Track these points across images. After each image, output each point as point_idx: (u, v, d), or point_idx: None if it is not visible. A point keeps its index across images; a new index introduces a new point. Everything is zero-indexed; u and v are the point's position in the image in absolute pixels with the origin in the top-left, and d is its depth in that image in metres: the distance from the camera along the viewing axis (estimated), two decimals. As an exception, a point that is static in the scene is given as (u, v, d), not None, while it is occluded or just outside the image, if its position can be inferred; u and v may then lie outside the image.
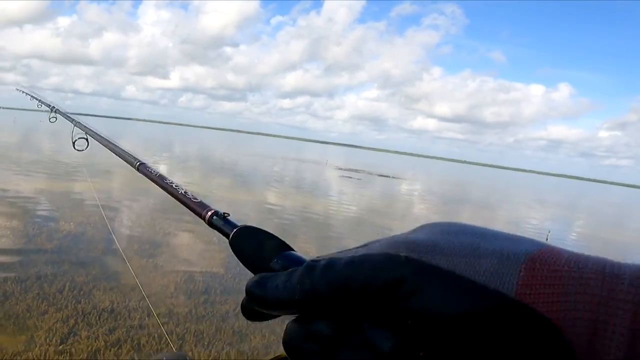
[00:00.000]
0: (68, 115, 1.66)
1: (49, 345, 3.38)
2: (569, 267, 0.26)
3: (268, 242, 0.41)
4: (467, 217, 16.58)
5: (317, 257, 0.35)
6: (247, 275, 0.39)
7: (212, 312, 4.36)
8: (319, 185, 20.89)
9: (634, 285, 0.24)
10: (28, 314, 3.82)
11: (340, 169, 34.69)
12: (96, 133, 1.27)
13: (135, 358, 3.39)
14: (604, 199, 51.16)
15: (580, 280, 0.25)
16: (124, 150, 0.96)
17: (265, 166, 28.92)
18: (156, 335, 3.75)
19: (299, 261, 0.38)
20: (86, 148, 1.42)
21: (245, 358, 3.64)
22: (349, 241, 8.78)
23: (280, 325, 0.36)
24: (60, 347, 3.39)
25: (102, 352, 3.41)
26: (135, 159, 0.87)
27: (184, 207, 0.61)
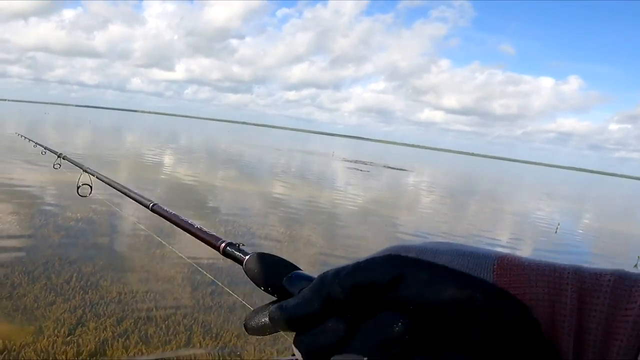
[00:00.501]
0: (76, 162, 1.65)
1: (57, 336, 3.37)
2: (529, 263, 0.34)
3: (278, 264, 0.46)
4: (476, 209, 16.46)
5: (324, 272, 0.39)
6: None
7: (219, 304, 4.34)
8: (325, 177, 20.83)
9: (576, 273, 0.32)
10: (36, 305, 3.82)
11: (347, 160, 34.58)
12: (105, 178, 1.30)
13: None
14: (614, 192, 50.63)
15: (538, 271, 0.33)
16: (136, 193, 1.00)
17: (272, 158, 28.89)
18: (164, 326, 3.73)
19: (307, 278, 0.42)
20: (89, 194, 1.46)
21: (253, 349, 3.62)
22: (357, 232, 8.73)
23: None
24: (68, 338, 3.38)
25: (110, 343, 3.39)
26: (149, 200, 0.91)
27: (198, 239, 0.67)
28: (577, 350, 0.31)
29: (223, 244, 0.59)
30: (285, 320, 0.37)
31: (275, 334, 0.41)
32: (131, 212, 7.85)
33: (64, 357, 3.15)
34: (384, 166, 33.23)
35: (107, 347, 3.34)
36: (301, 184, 16.12)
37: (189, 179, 13.45)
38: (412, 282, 0.33)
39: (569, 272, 0.33)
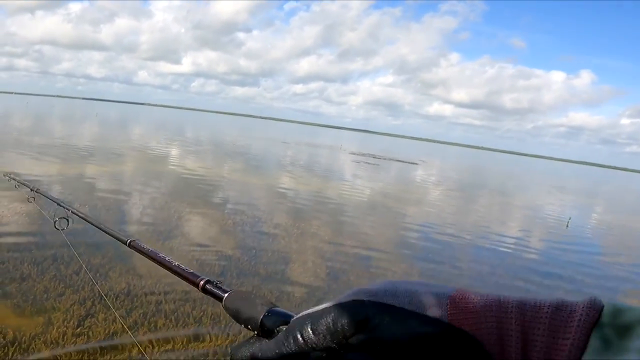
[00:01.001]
0: (50, 196, 1.58)
1: (67, 328, 3.36)
2: (478, 300, 0.37)
3: (256, 301, 0.50)
4: (485, 203, 16.31)
5: (297, 313, 0.44)
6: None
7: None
8: (333, 170, 20.76)
9: (518, 306, 0.36)
10: (45, 296, 3.81)
11: (355, 154, 34.45)
12: (80, 213, 1.26)
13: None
14: (625, 186, 50.01)
15: (486, 307, 0.36)
16: (112, 230, 0.99)
17: (280, 151, 28.86)
18: (173, 318, 3.71)
19: (283, 315, 0.46)
20: (67, 227, 1.41)
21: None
22: (364, 226, 8.67)
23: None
24: (78, 329, 3.36)
25: (119, 334, 3.37)
26: (127, 236, 0.89)
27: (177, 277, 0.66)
28: None
29: (202, 282, 0.60)
30: None
31: None
32: (139, 205, 7.85)
33: (73, 348, 3.14)
34: (393, 159, 33.06)
35: (116, 339, 3.32)
36: (309, 177, 16.07)
37: (197, 171, 13.45)
38: (376, 324, 0.37)
39: (512, 306, 0.36)
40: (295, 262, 5.72)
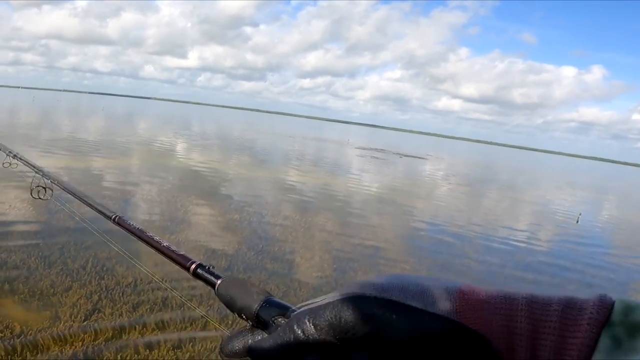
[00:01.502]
0: (30, 163, 1.44)
1: (74, 322, 3.34)
2: (485, 295, 0.36)
3: (251, 290, 0.47)
4: (495, 198, 16.16)
5: (297, 305, 0.42)
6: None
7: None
8: (340, 164, 20.68)
9: (527, 303, 0.34)
10: (52, 290, 3.80)
11: (363, 148, 34.31)
12: (63, 184, 1.16)
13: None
14: (636, 182, 49.39)
15: (494, 304, 0.35)
16: (97, 204, 0.92)
17: (287, 145, 28.82)
18: (180, 312, 3.68)
19: (280, 306, 0.44)
20: (49, 196, 1.33)
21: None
22: (372, 220, 8.61)
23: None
24: (85, 323, 3.35)
25: (126, 329, 3.35)
26: (112, 212, 0.84)
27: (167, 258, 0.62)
28: None
29: (193, 265, 0.56)
30: (262, 356, 0.40)
31: None
32: (143, 197, 7.85)
33: (80, 342, 3.12)
34: (401, 154, 32.89)
35: (123, 334, 3.30)
36: (316, 171, 16.01)
37: (205, 164, 13.45)
38: (381, 320, 0.35)
39: (521, 303, 0.34)
40: (302, 255, 5.68)
